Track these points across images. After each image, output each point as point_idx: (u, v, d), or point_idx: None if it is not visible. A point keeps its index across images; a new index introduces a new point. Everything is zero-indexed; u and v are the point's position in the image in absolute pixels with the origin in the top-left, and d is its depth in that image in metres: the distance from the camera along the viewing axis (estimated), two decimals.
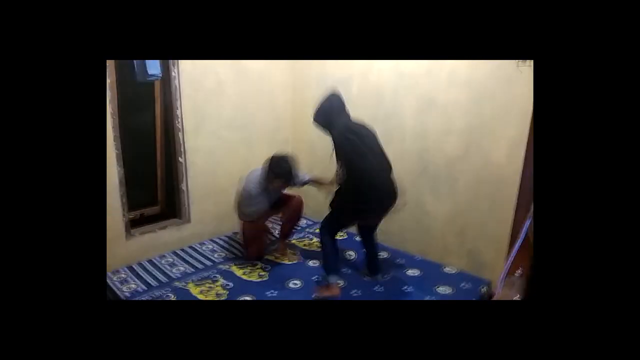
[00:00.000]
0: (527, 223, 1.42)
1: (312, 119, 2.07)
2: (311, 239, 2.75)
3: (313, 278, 2.23)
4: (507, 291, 1.59)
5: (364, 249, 2.27)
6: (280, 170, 2.18)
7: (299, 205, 2.50)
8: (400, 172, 2.35)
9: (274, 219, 2.78)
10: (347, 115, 2.06)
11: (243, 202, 2.30)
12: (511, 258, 1.59)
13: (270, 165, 2.19)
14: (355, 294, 2.08)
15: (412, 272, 2.32)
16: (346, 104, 2.07)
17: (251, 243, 2.43)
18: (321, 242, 2.13)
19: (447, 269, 2.36)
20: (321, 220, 2.17)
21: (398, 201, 2.02)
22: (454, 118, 2.28)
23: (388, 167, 2.02)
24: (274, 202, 2.38)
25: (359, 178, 1.91)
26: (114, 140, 2.19)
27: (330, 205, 2.08)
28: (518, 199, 2.04)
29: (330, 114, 2.02)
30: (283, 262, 2.43)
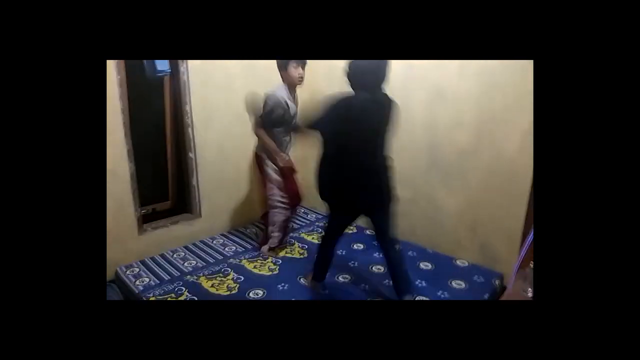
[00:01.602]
0: None
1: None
2: (320, 233, 2.75)
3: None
4: (520, 284, 1.56)
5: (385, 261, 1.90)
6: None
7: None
8: (410, 164, 2.32)
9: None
10: (373, 85, 1.69)
11: (267, 108, 2.17)
12: (524, 251, 1.56)
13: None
14: (364, 288, 2.08)
15: (424, 265, 2.31)
16: (385, 72, 1.68)
17: (288, 179, 2.33)
18: None
19: (459, 262, 2.33)
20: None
21: (392, 203, 1.83)
22: (465, 110, 2.24)
23: (381, 164, 1.74)
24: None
25: (337, 163, 1.70)
26: (125, 137, 2.21)
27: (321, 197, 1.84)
28: (531, 192, 2.00)
29: (357, 76, 1.67)
30: (294, 256, 2.44)
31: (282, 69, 2.25)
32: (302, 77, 2.25)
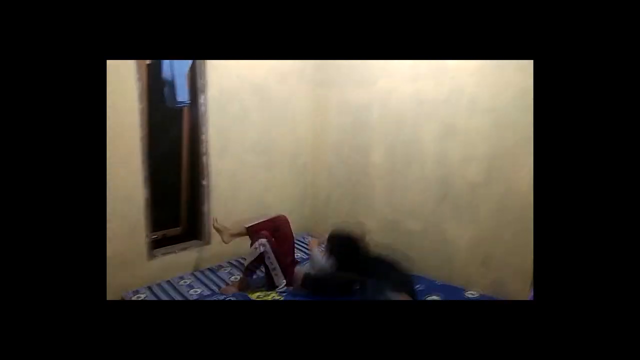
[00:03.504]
0: None
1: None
2: None
3: None
4: None
5: None
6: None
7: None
8: (421, 198, 2.34)
9: None
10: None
11: None
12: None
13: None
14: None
15: (433, 298, 2.25)
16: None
17: None
18: None
19: (469, 294, 2.26)
20: None
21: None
22: (476, 145, 2.27)
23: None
24: None
25: None
26: (143, 163, 2.28)
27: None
28: None
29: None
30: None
31: None
32: None
